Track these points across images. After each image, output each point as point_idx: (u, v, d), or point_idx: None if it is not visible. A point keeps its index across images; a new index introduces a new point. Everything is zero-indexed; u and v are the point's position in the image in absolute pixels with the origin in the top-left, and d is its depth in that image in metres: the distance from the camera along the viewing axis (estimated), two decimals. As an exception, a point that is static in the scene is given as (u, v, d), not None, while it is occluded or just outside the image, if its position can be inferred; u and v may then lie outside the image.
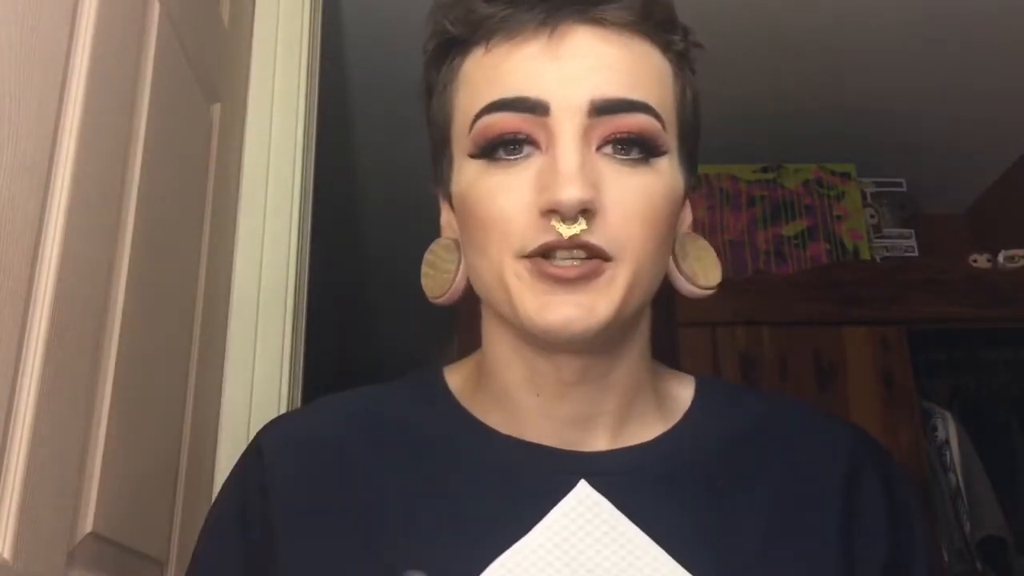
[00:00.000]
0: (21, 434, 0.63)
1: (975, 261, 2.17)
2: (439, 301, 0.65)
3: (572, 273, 0.55)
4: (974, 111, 2.27)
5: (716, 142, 2.27)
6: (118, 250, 0.82)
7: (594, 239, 0.55)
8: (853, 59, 2.09)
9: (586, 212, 0.55)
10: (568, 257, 0.55)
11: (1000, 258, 2.16)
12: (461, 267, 0.63)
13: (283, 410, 1.21)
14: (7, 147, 0.61)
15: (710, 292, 0.64)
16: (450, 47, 0.62)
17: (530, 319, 0.56)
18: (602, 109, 0.56)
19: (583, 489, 0.60)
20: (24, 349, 0.64)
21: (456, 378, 0.68)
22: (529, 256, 0.56)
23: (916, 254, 2.37)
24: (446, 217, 0.66)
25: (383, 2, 1.86)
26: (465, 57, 0.61)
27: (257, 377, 1.21)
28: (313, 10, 1.44)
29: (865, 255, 2.30)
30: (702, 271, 0.64)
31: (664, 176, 0.59)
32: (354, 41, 1.99)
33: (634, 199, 0.57)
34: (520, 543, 0.58)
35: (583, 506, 0.59)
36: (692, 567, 0.58)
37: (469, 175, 0.59)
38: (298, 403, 1.28)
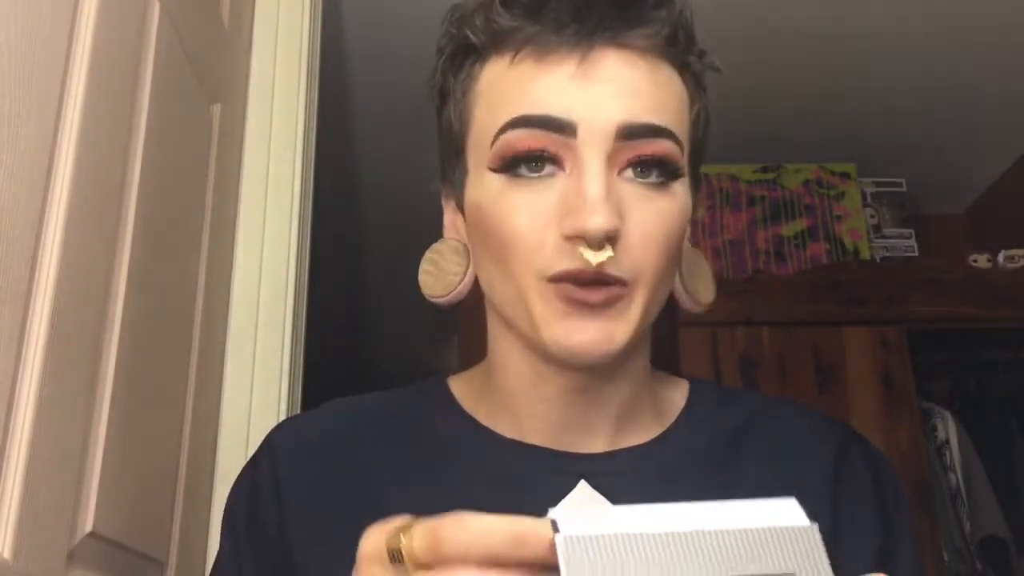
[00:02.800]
0: (21, 434, 0.63)
1: (975, 261, 2.18)
2: (439, 301, 0.65)
3: (598, 298, 0.56)
4: (974, 111, 2.27)
5: (716, 142, 2.27)
6: (118, 250, 0.82)
7: (616, 270, 0.56)
8: (854, 59, 2.09)
9: (612, 239, 0.55)
10: (591, 281, 0.56)
11: (1000, 258, 2.16)
12: (469, 271, 0.64)
13: (283, 410, 1.21)
14: (7, 147, 0.61)
15: (705, 309, 0.66)
16: (468, 53, 0.62)
17: (555, 342, 0.57)
18: (629, 134, 0.56)
19: (583, 489, 0.61)
20: (24, 349, 0.64)
21: (460, 386, 0.69)
22: (553, 279, 0.56)
23: (916, 254, 2.37)
24: (451, 218, 0.67)
25: (383, 2, 1.86)
26: (484, 65, 0.61)
27: (257, 377, 1.21)
28: (313, 10, 1.44)
29: (865, 255, 2.30)
30: (704, 289, 0.66)
31: (679, 199, 0.59)
32: (354, 41, 1.99)
33: (654, 224, 0.57)
34: None
35: (583, 505, 0.61)
36: None
37: (489, 189, 0.59)
38: (298, 403, 1.28)
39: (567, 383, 0.62)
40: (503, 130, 0.58)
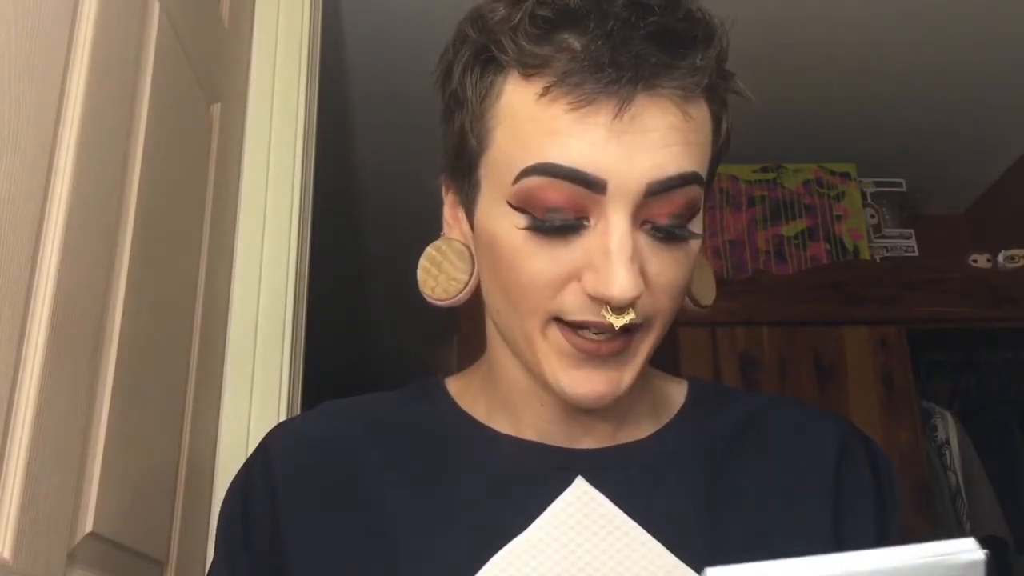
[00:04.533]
0: (21, 434, 0.63)
1: (975, 261, 2.17)
2: (438, 303, 0.63)
3: (606, 349, 0.56)
4: (974, 111, 2.27)
5: (716, 142, 2.27)
6: (118, 250, 0.82)
7: (635, 319, 0.55)
8: (854, 59, 2.09)
9: (633, 303, 0.54)
10: (600, 331, 0.56)
11: (1000, 258, 2.16)
12: (473, 278, 0.63)
13: (283, 410, 1.21)
14: (7, 147, 0.61)
15: (706, 309, 0.66)
16: (487, 63, 0.58)
17: (558, 386, 0.57)
18: (657, 190, 0.54)
19: (580, 485, 0.61)
20: (24, 349, 0.64)
21: (458, 385, 0.69)
22: (565, 322, 0.56)
23: (916, 254, 2.37)
24: (451, 212, 0.65)
25: (383, 2, 1.86)
26: (507, 81, 0.57)
27: (257, 377, 1.21)
28: (313, 10, 1.44)
29: (865, 255, 2.30)
30: (706, 292, 0.66)
31: (695, 245, 0.58)
32: (354, 42, 1.99)
33: (671, 275, 0.57)
34: (520, 537, 0.59)
35: (580, 501, 0.61)
36: (685, 555, 0.59)
37: (506, 224, 0.56)
38: (298, 404, 1.28)
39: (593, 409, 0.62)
40: (528, 172, 0.54)
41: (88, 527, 0.74)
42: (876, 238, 2.37)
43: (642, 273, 0.54)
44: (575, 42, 0.54)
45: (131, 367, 0.83)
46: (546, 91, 0.54)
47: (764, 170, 2.39)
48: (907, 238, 2.39)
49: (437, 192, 0.67)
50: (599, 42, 0.53)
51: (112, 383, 0.79)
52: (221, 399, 1.18)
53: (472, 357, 0.71)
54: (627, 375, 0.58)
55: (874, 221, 2.39)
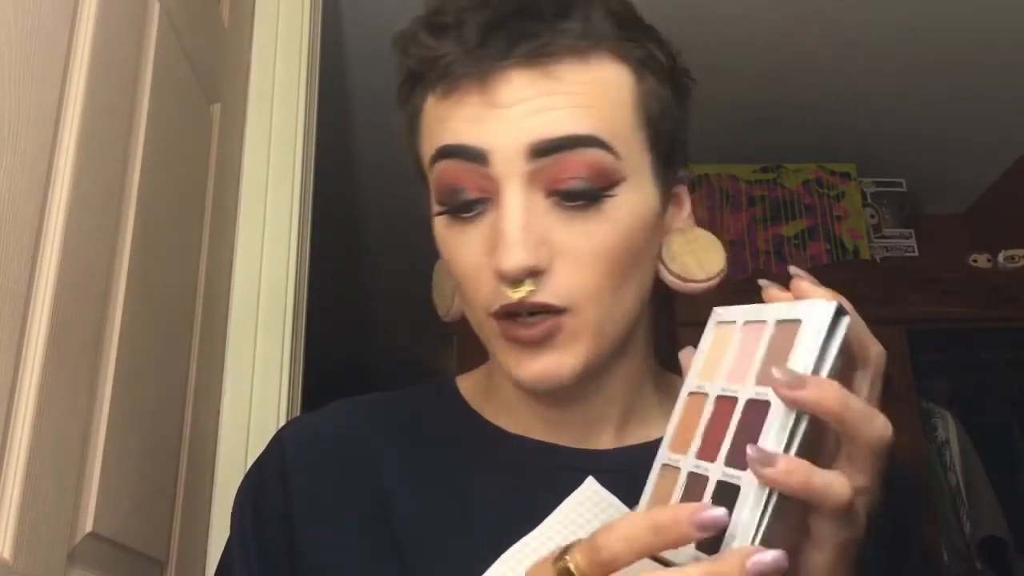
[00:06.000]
0: (21, 434, 0.63)
1: (975, 261, 2.18)
2: (444, 319, 0.67)
3: (532, 335, 0.57)
4: (974, 111, 2.27)
5: (716, 142, 2.28)
6: (118, 250, 0.82)
7: (544, 297, 0.56)
8: (854, 59, 2.09)
9: (534, 273, 0.55)
10: (528, 314, 0.56)
11: (1000, 258, 2.16)
12: (458, 294, 0.64)
13: (283, 411, 1.21)
14: (7, 147, 0.61)
15: (713, 282, 0.62)
16: (409, 81, 0.62)
17: (511, 374, 0.59)
18: (541, 151, 0.55)
19: (591, 484, 0.61)
20: (24, 349, 0.64)
21: (467, 384, 0.70)
22: (495, 315, 0.57)
23: (916, 254, 2.37)
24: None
25: (383, 2, 1.86)
26: (424, 94, 0.61)
27: (257, 377, 1.21)
28: (313, 10, 1.44)
29: (865, 255, 2.30)
30: (696, 264, 0.63)
31: (621, 209, 0.57)
32: (354, 41, 1.99)
33: (586, 247, 0.56)
34: (529, 536, 0.59)
35: (591, 501, 0.61)
36: None
37: (439, 224, 0.60)
38: (298, 403, 1.28)
39: (552, 394, 0.62)
40: (432, 163, 0.59)
41: (88, 527, 0.74)
42: (876, 238, 2.37)
43: (553, 246, 0.56)
44: (456, 38, 0.57)
45: (131, 367, 0.83)
46: (435, 88, 0.59)
47: (764, 170, 2.39)
48: (907, 238, 2.39)
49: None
50: (472, 31, 0.57)
51: (112, 383, 0.79)
52: (221, 399, 1.18)
53: (471, 356, 0.71)
54: (567, 360, 0.57)
55: (874, 221, 2.39)
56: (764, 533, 0.42)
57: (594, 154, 0.56)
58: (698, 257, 0.63)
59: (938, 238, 2.53)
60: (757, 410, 0.45)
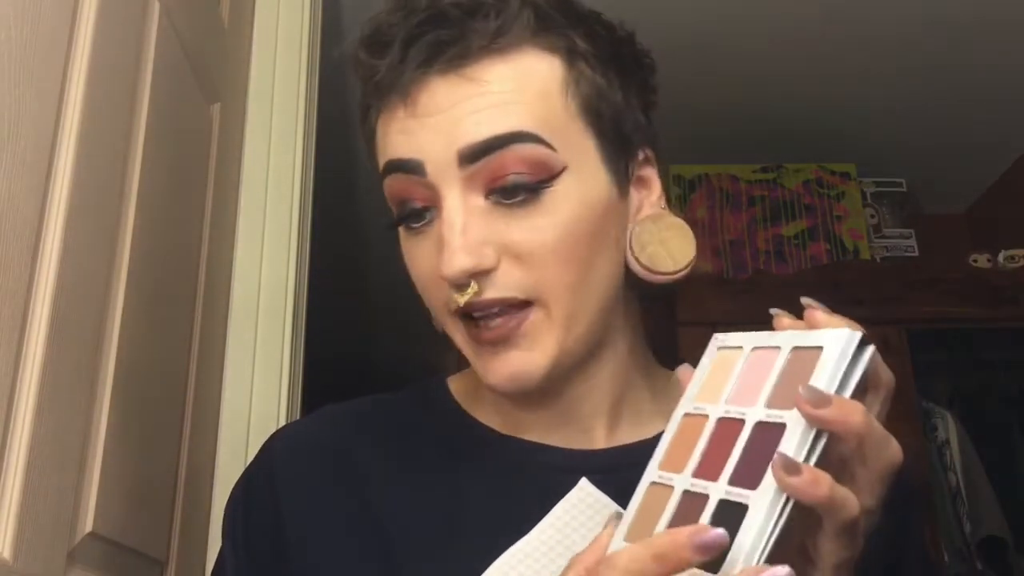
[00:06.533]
0: (21, 434, 0.63)
1: (975, 261, 2.17)
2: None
3: (494, 334, 0.57)
4: (974, 111, 2.27)
5: (716, 142, 2.28)
6: (118, 250, 0.82)
7: (494, 294, 0.56)
8: (853, 59, 2.09)
9: (476, 275, 0.55)
10: (489, 314, 0.57)
11: (1000, 258, 2.16)
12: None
13: (283, 411, 1.21)
14: (7, 147, 0.61)
15: (682, 273, 0.61)
16: (367, 103, 0.63)
17: (482, 374, 0.59)
18: (472, 156, 0.56)
19: (584, 486, 0.61)
20: (24, 348, 0.64)
21: (458, 385, 0.69)
22: (454, 316, 0.58)
23: (916, 254, 2.37)
24: None
25: (383, 3, 1.86)
26: (377, 115, 0.61)
27: (257, 377, 1.21)
28: (313, 10, 1.44)
29: (865, 255, 2.30)
30: (666, 253, 0.61)
31: (567, 199, 0.57)
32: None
33: (536, 241, 0.56)
34: (524, 540, 0.59)
35: (584, 503, 0.60)
36: None
37: (401, 238, 0.62)
38: (298, 404, 1.28)
39: (527, 395, 0.61)
40: (382, 181, 0.60)
41: (88, 527, 0.74)
42: (876, 238, 2.37)
43: (497, 245, 0.56)
44: (385, 55, 0.59)
45: (131, 366, 0.83)
46: (374, 108, 0.61)
47: (764, 170, 2.39)
48: (907, 238, 2.39)
49: None
50: (395, 46, 0.58)
51: (112, 383, 0.79)
52: (221, 399, 1.18)
53: (470, 357, 0.71)
54: (536, 357, 0.57)
55: (874, 221, 2.39)
56: (770, 551, 0.41)
57: (526, 149, 0.56)
58: (668, 247, 0.61)
59: (938, 238, 2.53)
60: (769, 432, 0.44)
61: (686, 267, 0.61)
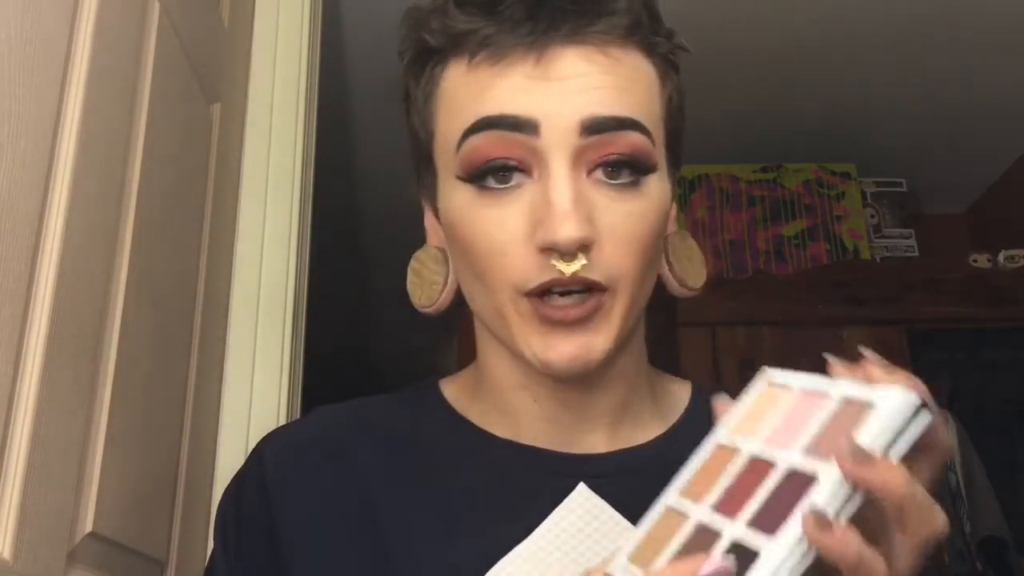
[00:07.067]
0: (21, 434, 0.63)
1: (975, 261, 2.17)
2: (426, 311, 0.65)
3: (573, 315, 0.55)
4: (974, 111, 2.28)
5: (716, 142, 2.28)
6: (118, 250, 0.82)
7: (593, 274, 0.55)
8: (853, 59, 2.09)
9: (584, 247, 0.54)
10: (567, 292, 0.56)
11: (1000, 258, 2.16)
12: (450, 279, 0.64)
13: (283, 411, 1.21)
14: (7, 147, 0.61)
15: (697, 293, 0.65)
16: (428, 57, 0.61)
17: (534, 356, 0.57)
18: (593, 128, 0.55)
19: (582, 491, 0.60)
20: (24, 349, 0.64)
21: (452, 388, 0.68)
22: (530, 294, 0.56)
23: (916, 254, 2.37)
24: (430, 222, 0.66)
25: (383, 2, 1.86)
26: (445, 68, 0.60)
27: (257, 377, 1.21)
28: (313, 10, 1.44)
29: (865, 255, 2.30)
30: (693, 272, 0.64)
31: (654, 194, 0.58)
32: (354, 41, 1.99)
33: (626, 227, 0.56)
34: (521, 546, 0.58)
35: (582, 508, 0.60)
36: None
37: (458, 199, 0.58)
38: (298, 404, 1.28)
39: (556, 384, 0.61)
40: (466, 136, 0.57)
41: (88, 527, 0.74)
42: (876, 238, 2.37)
43: (595, 225, 0.55)
44: (495, 10, 0.57)
45: (131, 367, 0.83)
46: (471, 59, 0.57)
47: (764, 170, 2.39)
48: (907, 238, 2.39)
49: (417, 201, 0.67)
50: (516, 7, 0.56)
51: (112, 383, 0.79)
52: (221, 399, 1.18)
53: (471, 357, 0.71)
54: (599, 341, 0.56)
55: (874, 221, 2.40)
56: None
57: (639, 138, 0.57)
58: (694, 266, 0.65)
59: (938, 238, 2.53)
60: (801, 480, 0.43)
61: (698, 289, 0.64)
